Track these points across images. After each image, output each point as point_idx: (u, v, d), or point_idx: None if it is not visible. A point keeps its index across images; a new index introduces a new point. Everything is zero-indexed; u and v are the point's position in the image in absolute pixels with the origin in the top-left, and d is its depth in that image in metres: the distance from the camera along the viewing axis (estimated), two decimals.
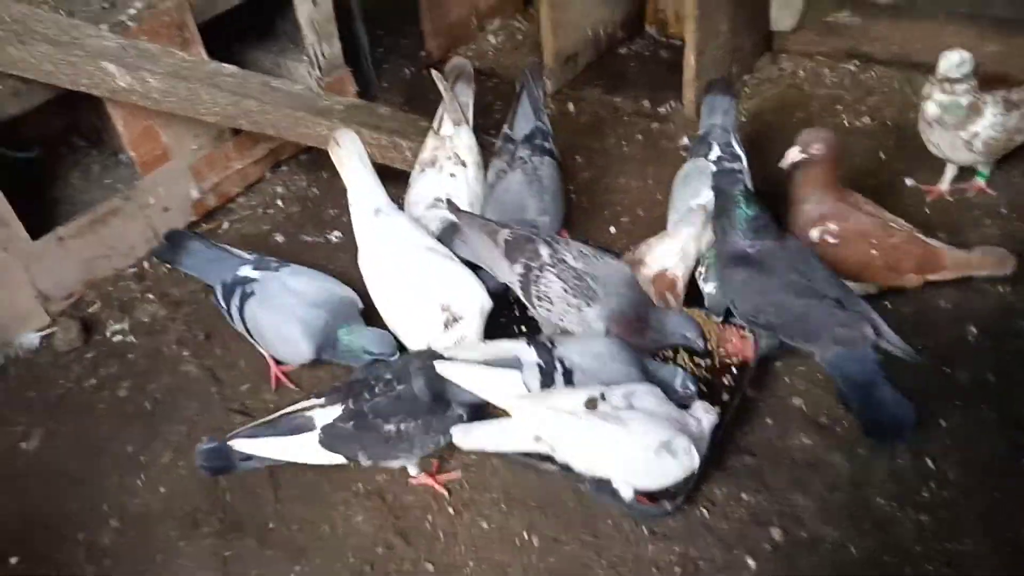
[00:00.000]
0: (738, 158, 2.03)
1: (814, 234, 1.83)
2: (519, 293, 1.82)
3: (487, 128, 2.77)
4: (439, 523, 1.64)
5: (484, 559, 1.58)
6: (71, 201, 2.31)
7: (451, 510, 1.66)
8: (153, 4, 2.09)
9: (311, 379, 1.96)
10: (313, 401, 1.58)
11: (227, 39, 2.45)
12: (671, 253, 1.84)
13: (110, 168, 2.45)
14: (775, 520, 1.57)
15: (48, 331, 2.10)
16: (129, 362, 2.05)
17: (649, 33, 3.14)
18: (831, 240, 1.82)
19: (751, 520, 1.58)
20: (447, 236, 1.98)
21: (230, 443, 1.52)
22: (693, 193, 1.97)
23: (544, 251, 1.76)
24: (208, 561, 1.61)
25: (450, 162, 2.13)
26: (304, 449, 1.53)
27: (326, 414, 1.53)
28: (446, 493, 1.68)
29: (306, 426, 1.53)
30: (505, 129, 2.22)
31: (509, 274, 1.81)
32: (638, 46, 3.11)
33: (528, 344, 1.60)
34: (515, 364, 1.55)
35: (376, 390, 1.54)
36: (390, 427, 1.51)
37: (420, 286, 1.84)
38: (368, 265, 1.92)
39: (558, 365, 1.55)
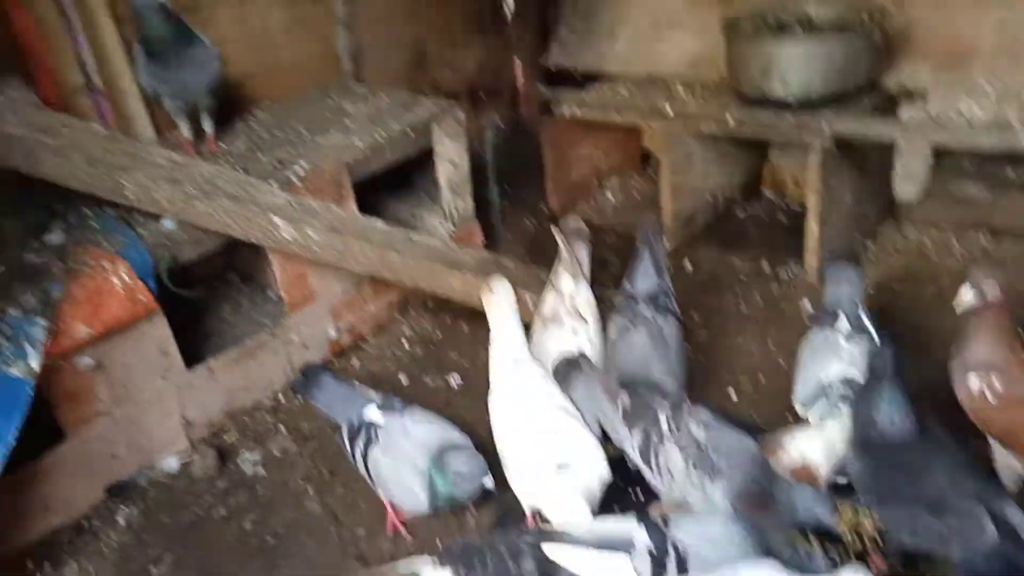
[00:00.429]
0: (866, 331, 1.99)
1: (973, 383, 1.66)
2: (638, 461, 1.80)
3: (603, 282, 2.86)
4: None
5: None
6: (221, 333, 2.51)
7: None
8: (317, 164, 2.34)
9: (426, 529, 1.97)
10: (425, 559, 1.57)
11: (370, 191, 2.70)
12: (816, 448, 1.77)
13: (258, 303, 2.67)
14: None
15: (188, 457, 2.22)
16: (257, 494, 2.13)
17: (767, 196, 3.22)
18: (991, 399, 1.66)
19: None
20: (561, 375, 2.00)
21: None
22: (821, 367, 1.92)
23: (665, 419, 1.75)
24: None
25: (571, 318, 2.19)
26: None
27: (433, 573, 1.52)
28: None
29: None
30: (625, 285, 2.25)
31: (627, 440, 1.80)
32: (756, 209, 3.18)
33: (639, 523, 1.54)
34: (626, 545, 1.51)
35: (488, 561, 1.51)
36: None
37: (542, 442, 1.85)
38: (498, 409, 1.96)
39: (671, 550, 1.48)
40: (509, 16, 3.93)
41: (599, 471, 1.80)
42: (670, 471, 1.70)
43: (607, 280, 2.86)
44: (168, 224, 2.08)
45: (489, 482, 1.80)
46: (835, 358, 1.89)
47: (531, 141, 3.86)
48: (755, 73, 2.46)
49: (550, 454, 1.81)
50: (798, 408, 1.94)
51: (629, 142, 3.42)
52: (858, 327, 1.98)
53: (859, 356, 1.87)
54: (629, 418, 1.79)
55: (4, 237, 2.06)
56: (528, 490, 1.83)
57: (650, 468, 1.75)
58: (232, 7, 2.77)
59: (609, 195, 3.39)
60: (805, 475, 1.74)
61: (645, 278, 2.21)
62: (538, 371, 1.96)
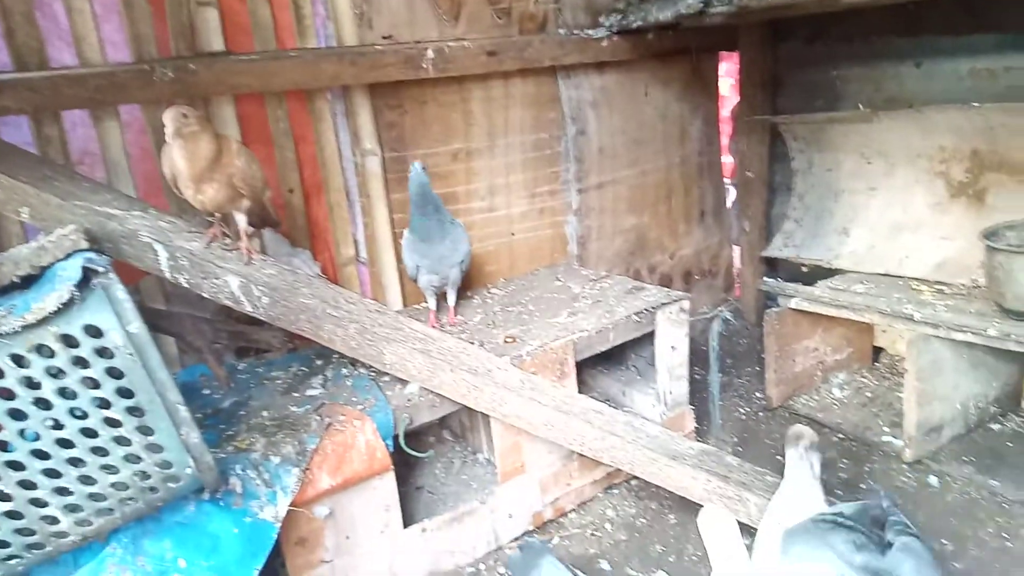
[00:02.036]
0: None
1: None
2: None
3: (831, 487, 2.62)
4: None
5: None
6: (432, 490, 2.60)
7: None
8: (545, 344, 2.44)
9: None
10: None
11: (583, 364, 2.75)
12: None
13: (468, 465, 2.74)
14: None
15: None
16: None
17: None
18: None
19: None
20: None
21: None
22: None
23: None
24: None
25: None
26: None
27: None
28: None
29: None
30: None
31: None
32: (1014, 423, 2.81)
33: None
34: None
35: None
36: None
37: None
38: None
39: None
40: (731, 207, 4.06)
41: None
42: None
43: (836, 484, 2.62)
44: (411, 388, 2.25)
45: None
46: None
47: (748, 329, 3.81)
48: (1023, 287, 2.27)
49: None
50: None
51: (860, 337, 3.24)
52: None
53: None
54: None
55: (274, 388, 2.34)
56: None
57: None
58: (482, 198, 3.14)
59: (835, 391, 3.18)
60: None
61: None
62: None
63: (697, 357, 3.00)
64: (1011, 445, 2.71)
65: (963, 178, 2.91)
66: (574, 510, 2.69)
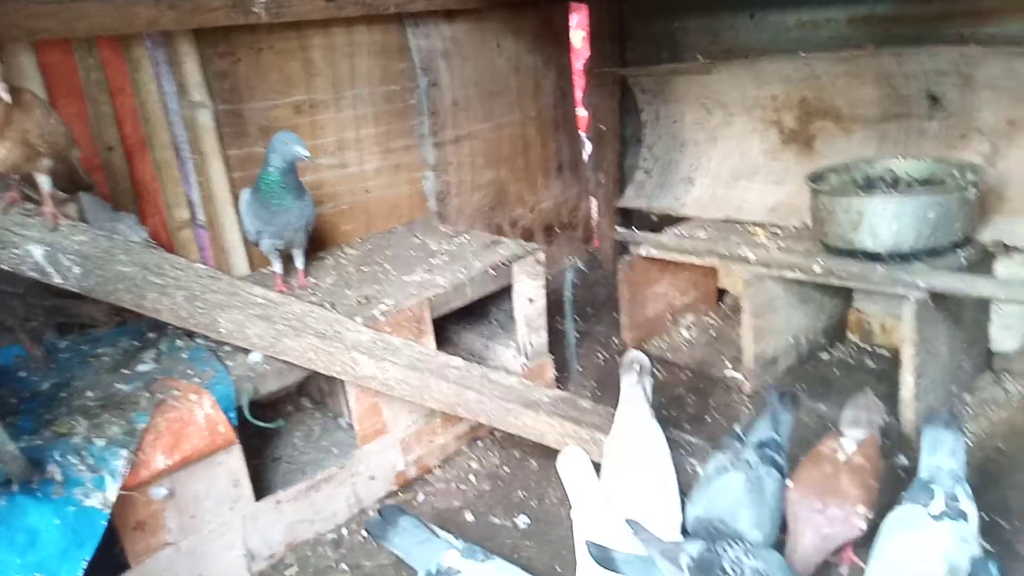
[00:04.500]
0: (963, 515, 1.73)
1: None
2: None
3: (679, 422, 2.77)
4: None
5: None
6: (291, 459, 2.51)
7: None
8: (400, 302, 2.39)
9: None
10: None
11: (445, 321, 2.73)
12: None
13: (329, 431, 2.67)
14: None
15: None
16: None
17: (852, 340, 3.11)
18: None
19: None
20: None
21: None
22: (906, 553, 1.67)
23: (728, 564, 1.64)
24: None
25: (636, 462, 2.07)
26: None
27: None
28: None
29: None
30: (736, 428, 2.21)
31: None
32: (841, 353, 3.07)
33: None
34: None
35: None
36: None
37: None
38: None
39: None
40: (587, 160, 4.13)
41: None
42: None
43: (683, 419, 2.78)
44: (254, 357, 2.13)
45: None
46: (922, 545, 1.67)
47: (606, 278, 3.92)
48: (843, 226, 2.45)
49: None
50: None
51: (705, 280, 3.41)
52: (955, 511, 1.74)
53: (952, 544, 1.66)
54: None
55: (100, 366, 2.15)
56: None
57: None
58: (331, 154, 2.99)
59: (684, 332, 3.34)
60: None
61: (759, 431, 2.12)
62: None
63: (559, 308, 3.05)
64: (837, 372, 2.96)
65: (794, 125, 3.09)
66: (439, 466, 2.68)
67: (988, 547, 1.98)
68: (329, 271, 2.69)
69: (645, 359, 2.34)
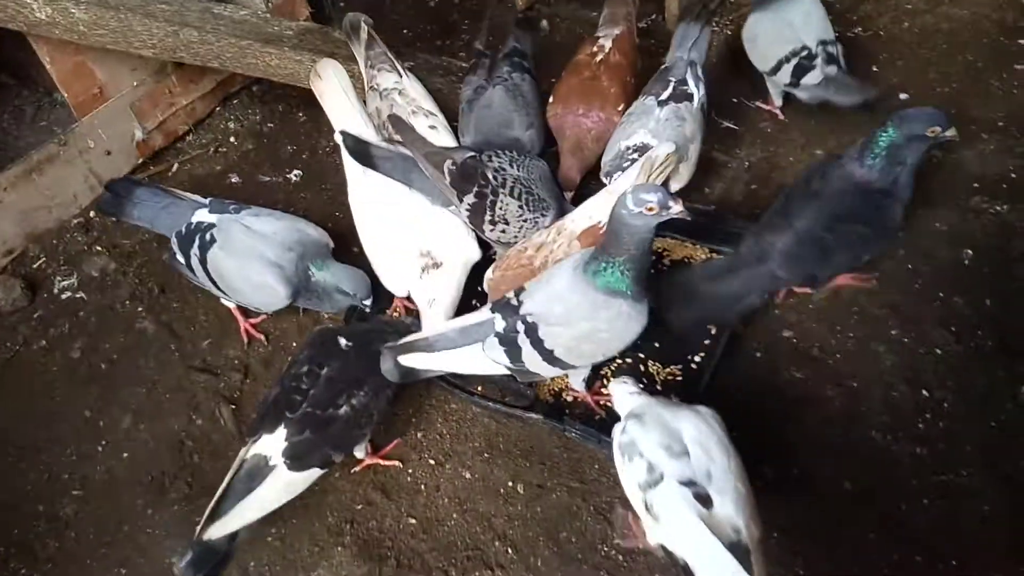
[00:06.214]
0: (688, 96, 1.84)
1: None
2: (467, 222, 1.73)
3: (454, 51, 2.59)
4: (420, 476, 1.58)
5: (468, 510, 1.52)
6: (4, 146, 2.14)
7: (432, 461, 1.59)
8: None
9: (278, 331, 1.85)
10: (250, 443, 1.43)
11: None
12: (604, 206, 1.60)
13: (45, 109, 2.28)
14: (766, 457, 1.51)
15: None
16: (80, 321, 1.92)
17: None
18: None
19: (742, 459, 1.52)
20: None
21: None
22: (627, 134, 1.79)
23: (491, 172, 1.68)
24: (178, 528, 1.53)
25: (419, 117, 1.94)
26: (275, 491, 1.41)
27: (273, 442, 1.40)
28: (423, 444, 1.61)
29: (263, 466, 1.40)
30: (477, 45, 2.12)
31: (458, 205, 1.70)
32: None
33: (493, 310, 1.46)
34: (486, 335, 1.45)
35: (304, 389, 1.44)
36: (345, 408, 1.43)
37: (403, 229, 1.73)
38: (356, 203, 1.80)
39: (519, 327, 1.42)
40: None
41: (465, 252, 1.73)
42: (505, 220, 1.68)
43: (458, 48, 2.60)
44: None
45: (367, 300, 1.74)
46: (643, 126, 1.78)
47: None
48: None
49: (411, 240, 1.72)
50: (602, 177, 1.82)
51: None
52: (681, 94, 1.84)
53: (667, 123, 1.78)
54: (459, 183, 1.67)
55: None
56: (395, 285, 1.74)
57: (482, 226, 1.70)
58: None
59: None
60: (593, 236, 1.63)
61: (506, 47, 2.06)
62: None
63: None
64: None
65: None
66: (190, 131, 2.40)
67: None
68: None
69: (365, 19, 2.04)
